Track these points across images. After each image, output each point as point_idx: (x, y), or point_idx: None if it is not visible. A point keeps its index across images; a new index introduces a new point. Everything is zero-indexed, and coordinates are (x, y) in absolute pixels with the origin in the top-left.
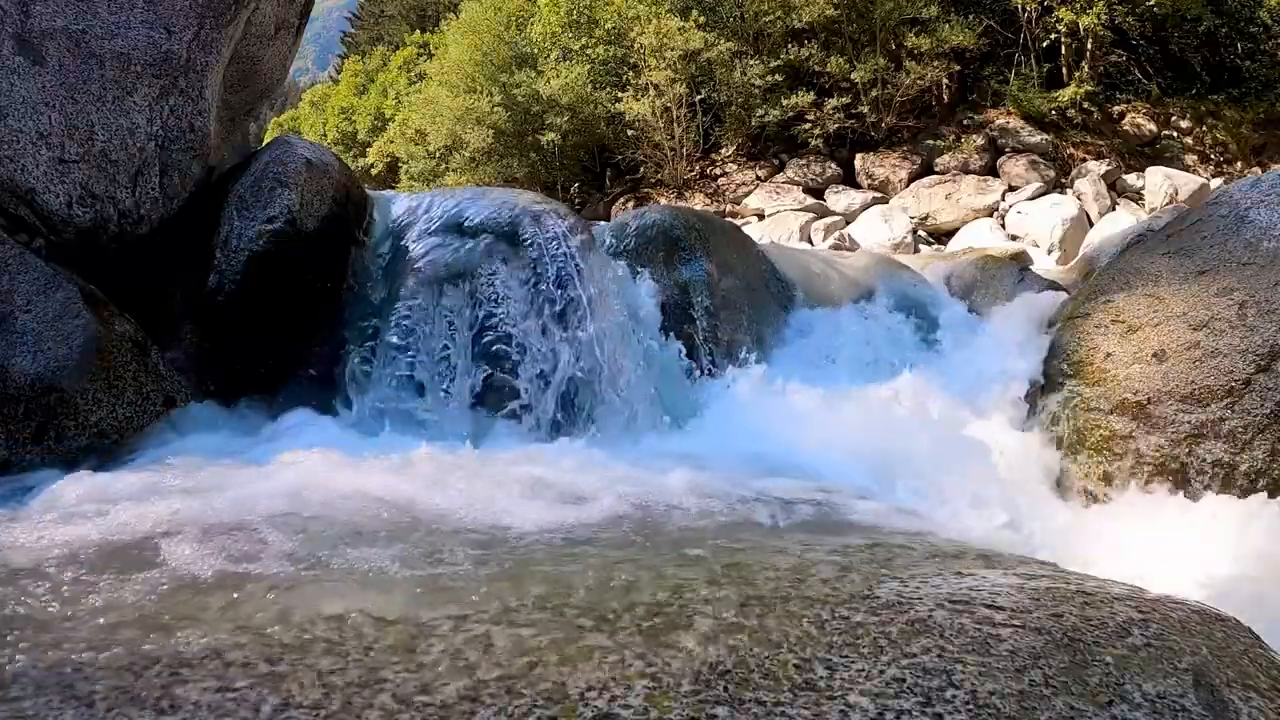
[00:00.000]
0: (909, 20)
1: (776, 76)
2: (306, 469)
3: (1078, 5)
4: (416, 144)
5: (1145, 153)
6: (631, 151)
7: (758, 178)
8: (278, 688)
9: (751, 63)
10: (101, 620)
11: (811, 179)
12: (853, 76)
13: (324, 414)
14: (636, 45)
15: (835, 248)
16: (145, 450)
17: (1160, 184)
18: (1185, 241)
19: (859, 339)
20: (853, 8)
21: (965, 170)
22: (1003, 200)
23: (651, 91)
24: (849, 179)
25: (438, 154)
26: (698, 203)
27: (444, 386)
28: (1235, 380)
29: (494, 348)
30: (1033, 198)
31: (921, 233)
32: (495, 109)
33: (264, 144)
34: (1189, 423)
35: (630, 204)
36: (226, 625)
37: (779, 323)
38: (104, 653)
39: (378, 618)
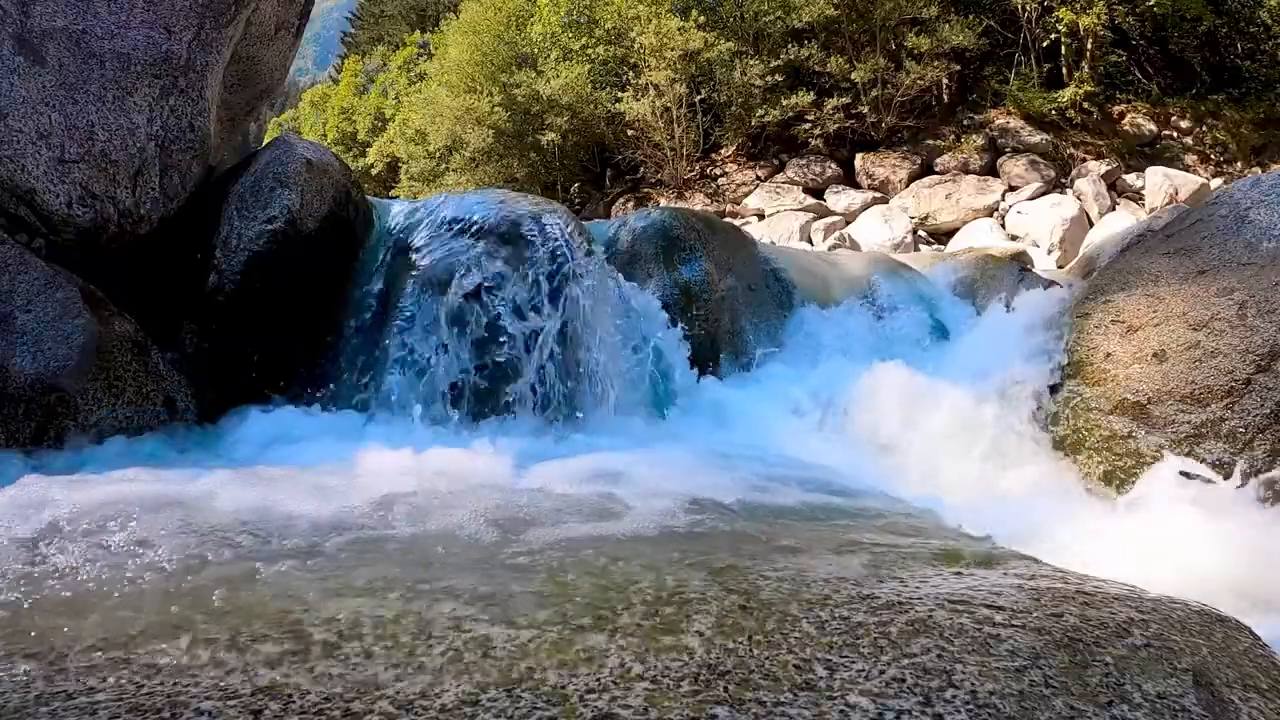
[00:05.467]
0: (909, 20)
1: (776, 76)
2: (299, 466)
3: (1078, 5)
4: (416, 144)
5: (1145, 153)
6: (631, 151)
7: (758, 178)
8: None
9: (751, 63)
10: (104, 623)
11: (811, 179)
12: (853, 76)
13: (321, 412)
14: (636, 45)
15: (835, 248)
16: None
17: (1160, 184)
18: (1185, 241)
19: (859, 338)
20: (853, 8)
21: (965, 170)
22: (1003, 200)
23: (651, 91)
24: (849, 179)
25: (438, 154)
26: (698, 203)
27: (442, 385)
28: (1235, 380)
29: (492, 347)
30: (1033, 198)
31: (921, 233)
32: (495, 109)
33: (264, 144)
34: (1189, 423)
35: (630, 204)
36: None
37: (779, 322)
38: (106, 659)
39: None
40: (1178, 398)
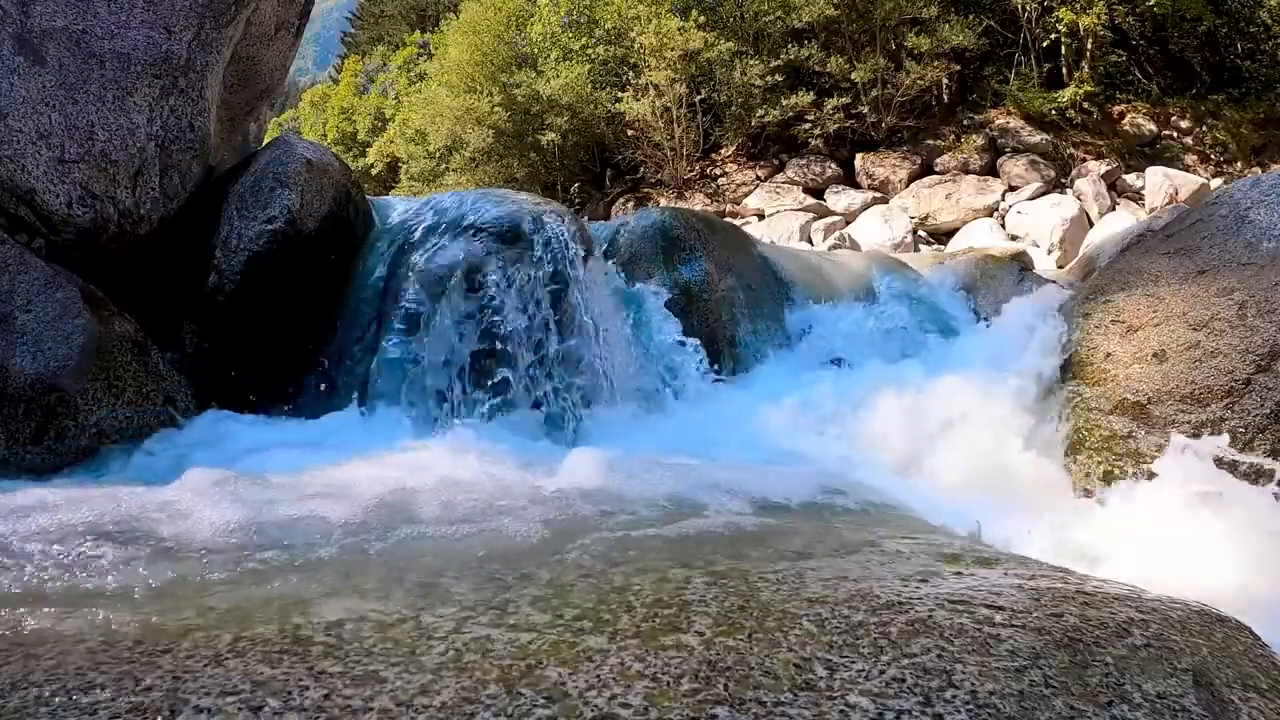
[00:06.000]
0: (909, 20)
1: (776, 76)
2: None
3: (1078, 5)
4: (416, 144)
5: (1145, 153)
6: (631, 151)
7: (758, 178)
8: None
9: (751, 63)
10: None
11: (811, 179)
12: (853, 76)
13: (318, 412)
14: (636, 45)
15: (835, 248)
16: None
17: (1160, 184)
18: (1185, 241)
19: (859, 337)
20: (853, 8)
21: (965, 170)
22: (1003, 200)
23: (651, 91)
24: (849, 179)
25: (438, 154)
26: (698, 203)
27: (442, 385)
28: (1235, 380)
29: (493, 347)
30: (1033, 198)
31: (921, 233)
32: (495, 109)
33: (264, 144)
34: (1189, 423)
35: (630, 204)
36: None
37: (779, 321)
38: (106, 659)
39: (378, 620)
40: (1178, 398)
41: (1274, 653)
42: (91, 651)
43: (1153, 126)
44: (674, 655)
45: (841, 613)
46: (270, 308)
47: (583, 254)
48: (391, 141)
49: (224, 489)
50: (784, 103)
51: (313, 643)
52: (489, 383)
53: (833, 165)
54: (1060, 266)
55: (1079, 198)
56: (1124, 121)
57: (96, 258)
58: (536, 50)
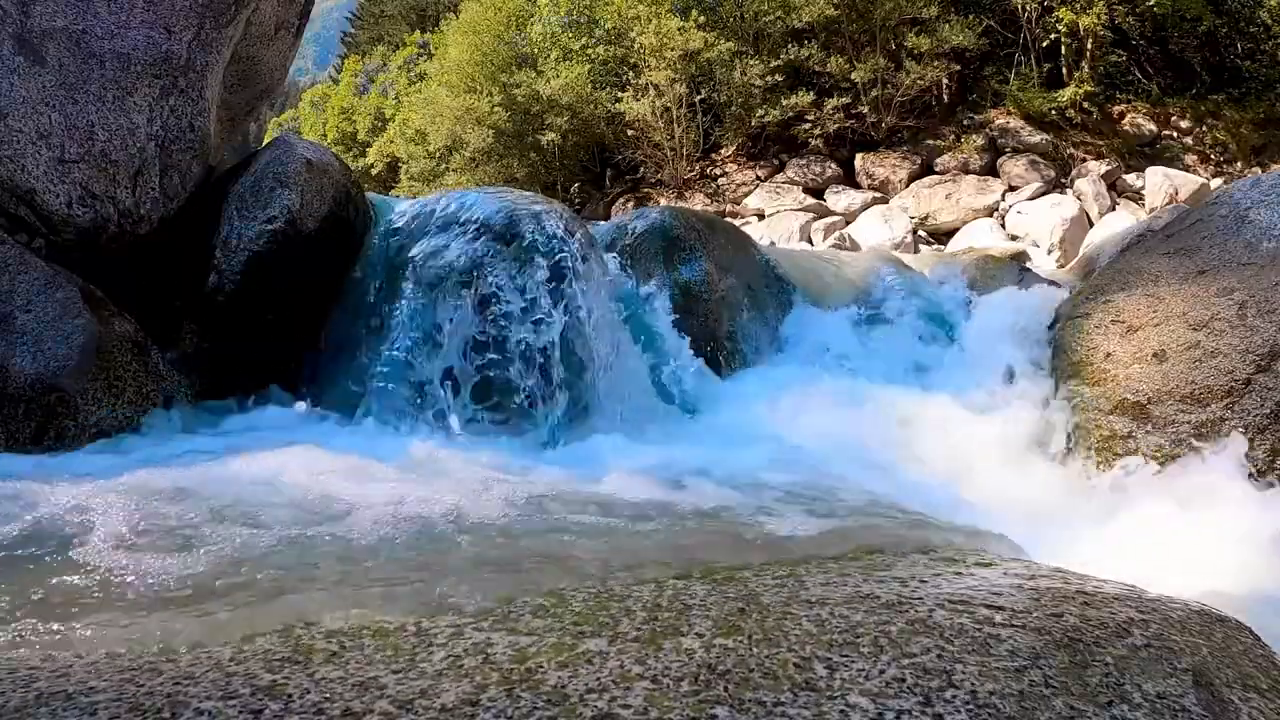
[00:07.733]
0: (909, 20)
1: (776, 76)
2: (294, 470)
3: (1078, 5)
4: (416, 144)
5: (1145, 153)
6: (631, 151)
7: (758, 178)
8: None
9: (751, 63)
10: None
11: (811, 179)
12: (853, 76)
13: (317, 413)
14: (636, 45)
15: (835, 248)
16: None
17: (1160, 184)
18: (1185, 241)
19: (859, 338)
20: (853, 8)
21: (965, 170)
22: (1003, 200)
23: (651, 91)
24: (849, 179)
25: (438, 154)
26: (698, 203)
27: (443, 386)
28: (1235, 380)
29: (493, 347)
30: (1033, 198)
31: (921, 233)
32: (495, 109)
33: (264, 144)
34: (1189, 423)
35: (630, 204)
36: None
37: (779, 322)
38: (107, 660)
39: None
40: (1178, 398)
41: (1274, 653)
42: (92, 661)
43: (1153, 126)
44: (674, 658)
45: (841, 613)
46: (270, 308)
47: (583, 254)
48: (391, 141)
49: (221, 494)
50: (784, 103)
51: (314, 650)
52: (487, 385)
53: (833, 165)
54: (1060, 266)
55: (1079, 198)
56: (1124, 121)
57: (96, 258)
58: (536, 50)
